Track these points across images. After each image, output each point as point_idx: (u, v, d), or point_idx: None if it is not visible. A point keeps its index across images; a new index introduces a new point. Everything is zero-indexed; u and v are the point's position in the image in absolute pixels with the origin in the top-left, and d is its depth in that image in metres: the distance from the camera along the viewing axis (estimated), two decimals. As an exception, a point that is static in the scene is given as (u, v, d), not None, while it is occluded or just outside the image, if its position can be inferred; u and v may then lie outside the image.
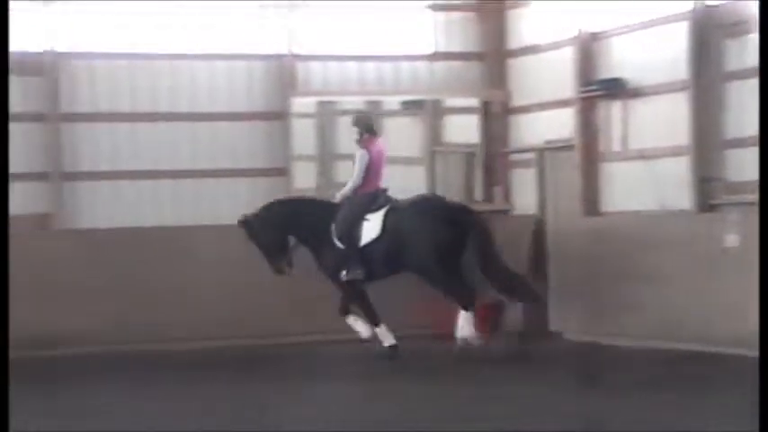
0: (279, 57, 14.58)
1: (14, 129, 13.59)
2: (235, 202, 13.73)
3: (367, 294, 12.17)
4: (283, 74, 14.55)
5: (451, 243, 11.72)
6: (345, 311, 12.22)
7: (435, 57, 15.20)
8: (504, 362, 11.63)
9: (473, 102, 15.47)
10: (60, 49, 14.02)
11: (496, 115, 15.28)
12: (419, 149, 15.37)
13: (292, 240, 12.45)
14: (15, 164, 13.71)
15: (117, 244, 13.39)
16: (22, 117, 13.88)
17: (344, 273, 11.99)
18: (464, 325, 11.67)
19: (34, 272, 12.58)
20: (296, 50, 14.60)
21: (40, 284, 12.65)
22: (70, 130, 14.14)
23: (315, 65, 14.73)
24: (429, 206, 12.23)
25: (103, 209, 14.08)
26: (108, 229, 13.82)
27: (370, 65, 14.90)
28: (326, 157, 14.95)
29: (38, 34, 13.91)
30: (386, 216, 11.99)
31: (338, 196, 12.30)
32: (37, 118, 13.99)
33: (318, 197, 13.19)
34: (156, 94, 14.35)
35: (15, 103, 13.70)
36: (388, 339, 12.06)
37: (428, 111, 15.45)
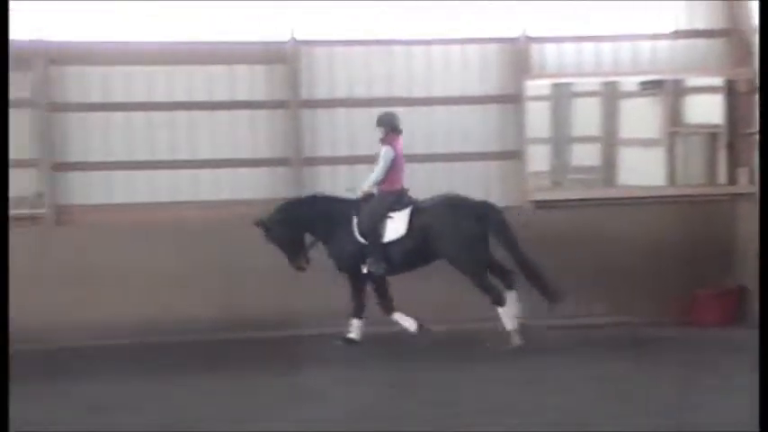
0: (513, 40, 14.54)
1: (260, 115, 14.20)
2: (468, 186, 13.82)
3: (366, 290, 12.75)
4: (517, 57, 14.52)
5: (477, 236, 12.31)
6: (389, 310, 12.68)
7: (677, 35, 14.81)
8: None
9: (716, 81, 15.00)
10: (301, 37, 14.43)
11: (742, 94, 14.77)
12: (658, 131, 15.05)
13: (309, 238, 12.88)
14: (260, 150, 14.32)
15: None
16: (267, 105, 14.43)
17: (366, 266, 12.47)
18: (505, 318, 12.18)
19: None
20: (530, 33, 14.53)
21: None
22: (310, 116, 14.57)
23: (549, 47, 14.62)
24: (453, 203, 12.60)
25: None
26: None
27: (606, 45, 14.65)
28: (561, 140, 14.82)
29: (280, 24, 14.37)
30: (411, 215, 12.48)
31: (358, 191, 12.73)
32: (280, 105, 14.47)
33: (331, 194, 13.25)
34: (391, 79, 14.58)
35: (260, 91, 14.32)
36: (356, 332, 12.67)
37: (668, 91, 15.09)
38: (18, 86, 13.82)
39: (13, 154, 13.76)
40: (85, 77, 14.16)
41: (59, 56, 14.07)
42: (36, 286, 13.29)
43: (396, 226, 12.49)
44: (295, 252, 12.79)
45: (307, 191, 14.06)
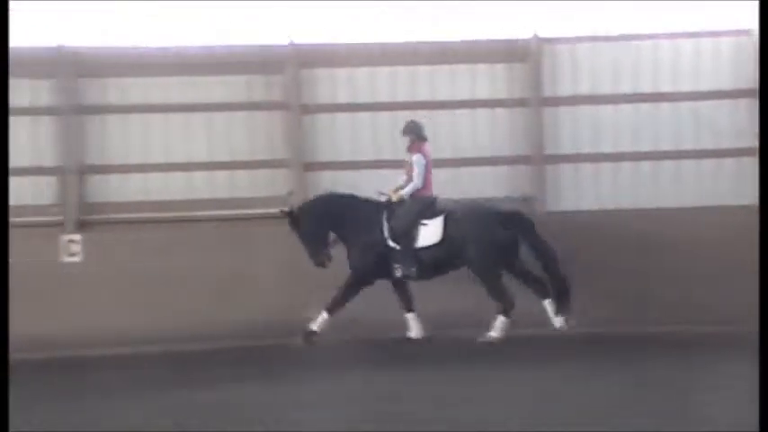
0: (746, 32, 14.16)
1: (499, 114, 14.26)
2: (714, 185, 13.58)
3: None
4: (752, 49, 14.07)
5: (503, 244, 12.56)
6: (409, 308, 12.91)
7: None
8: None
9: None
10: (544, 34, 14.42)
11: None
12: None
13: (332, 235, 12.91)
14: (498, 148, 14.40)
15: (600, 227, 13.82)
16: (507, 103, 14.51)
17: (398, 271, 12.68)
18: (497, 326, 12.43)
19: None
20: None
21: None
22: (552, 113, 14.53)
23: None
24: (485, 212, 12.77)
25: (582, 191, 14.43)
26: (589, 210, 14.22)
27: None
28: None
29: (520, 22, 14.41)
30: (445, 223, 12.66)
31: (394, 197, 12.81)
32: (520, 103, 14.50)
33: (362, 195, 13.08)
34: (637, 75, 14.41)
35: (500, 90, 14.43)
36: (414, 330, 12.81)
37: None
38: (271, 89, 14.41)
39: (267, 154, 14.39)
40: (334, 79, 14.55)
41: (310, 59, 14.51)
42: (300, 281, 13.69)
43: (430, 232, 12.68)
44: (318, 247, 12.87)
45: (551, 188, 14.09)
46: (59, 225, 14.00)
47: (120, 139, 14.33)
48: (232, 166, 14.45)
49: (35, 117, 14.13)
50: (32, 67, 13.99)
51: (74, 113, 14.15)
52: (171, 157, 14.36)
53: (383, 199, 12.96)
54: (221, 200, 14.39)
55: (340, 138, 14.52)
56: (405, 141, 13.02)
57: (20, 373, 10.03)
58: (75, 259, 13.87)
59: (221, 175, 14.42)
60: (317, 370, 10.88)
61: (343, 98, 14.52)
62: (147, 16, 14.13)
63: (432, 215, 12.75)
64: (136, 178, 14.32)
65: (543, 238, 12.54)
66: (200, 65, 14.27)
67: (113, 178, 14.30)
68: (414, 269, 12.66)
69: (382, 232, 12.79)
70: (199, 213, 14.24)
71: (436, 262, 12.68)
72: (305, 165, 14.54)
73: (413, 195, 12.85)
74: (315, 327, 12.77)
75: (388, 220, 12.81)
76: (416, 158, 12.85)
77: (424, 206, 12.79)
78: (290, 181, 14.43)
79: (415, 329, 12.88)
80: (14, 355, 9.81)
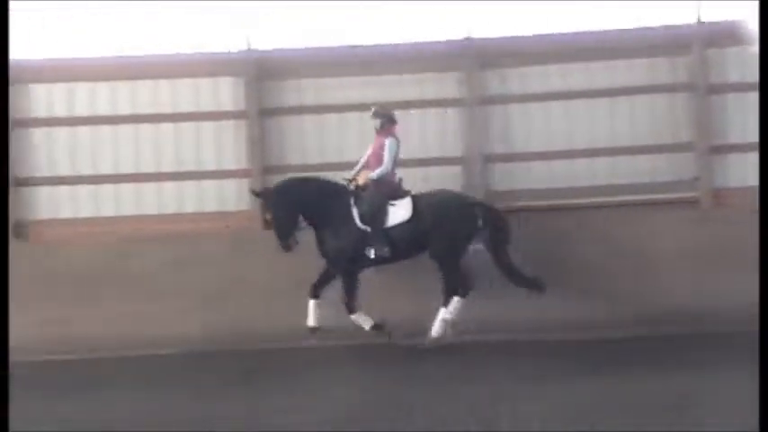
0: None
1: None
2: None
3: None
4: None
5: (470, 233, 12.68)
6: (352, 310, 12.71)
7: None
8: None
9: None
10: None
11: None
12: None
13: (301, 219, 12.66)
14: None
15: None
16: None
17: (372, 251, 12.54)
18: (452, 308, 12.47)
19: None
20: None
21: None
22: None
23: None
24: (452, 198, 12.90)
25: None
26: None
27: None
28: None
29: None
30: (414, 203, 12.71)
31: (361, 180, 12.75)
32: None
33: (329, 179, 12.87)
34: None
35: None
36: (367, 323, 12.74)
37: None
38: (675, 71, 14.16)
39: (670, 138, 14.13)
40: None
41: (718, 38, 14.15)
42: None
43: (399, 211, 12.71)
44: (287, 231, 12.59)
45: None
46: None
47: (522, 128, 14.49)
48: (634, 150, 14.29)
49: (438, 109, 14.55)
50: (438, 61, 14.41)
51: (478, 104, 14.44)
52: (573, 144, 14.39)
53: (349, 185, 12.88)
54: (622, 186, 14.27)
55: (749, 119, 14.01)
56: (375, 124, 12.93)
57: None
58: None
59: (623, 160, 14.30)
60: None
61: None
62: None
63: (399, 196, 12.82)
64: (539, 166, 14.43)
65: (506, 231, 12.77)
66: (598, 49, 14.21)
67: (517, 166, 14.49)
68: (386, 248, 12.60)
69: (351, 215, 12.72)
70: (601, 200, 14.17)
71: (408, 240, 12.69)
72: (712, 148, 14.14)
73: (379, 179, 12.78)
74: (312, 322, 12.70)
75: (357, 204, 12.77)
76: (389, 142, 12.83)
77: (391, 188, 12.82)
78: (696, 165, 14.09)
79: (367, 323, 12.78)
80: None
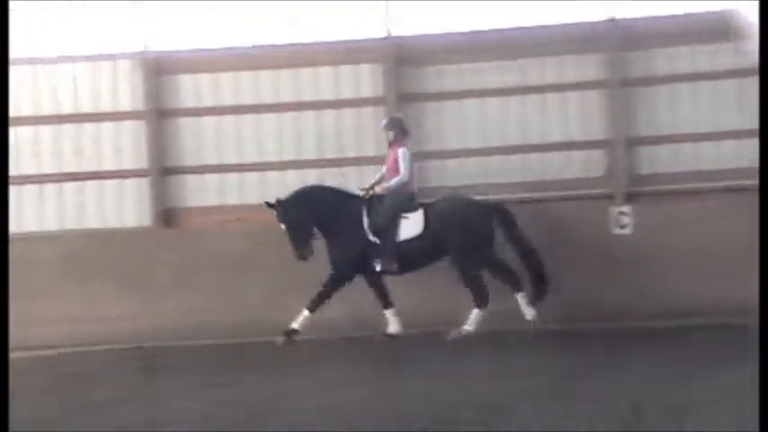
0: None
1: None
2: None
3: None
4: None
5: (485, 237, 12.61)
6: (387, 305, 12.77)
7: None
8: None
9: None
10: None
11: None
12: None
13: (315, 230, 12.70)
14: None
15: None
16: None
17: (379, 265, 12.53)
18: (473, 320, 12.46)
19: None
20: None
21: None
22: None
23: None
24: (465, 204, 12.83)
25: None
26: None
27: None
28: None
29: None
30: (426, 216, 12.62)
31: (378, 189, 12.74)
32: None
33: (342, 188, 13.01)
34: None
35: None
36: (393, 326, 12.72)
37: None
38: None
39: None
40: None
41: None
42: None
43: (411, 225, 12.61)
44: (303, 240, 12.61)
45: None
46: (609, 197, 14.10)
47: (666, 110, 14.16)
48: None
49: (583, 92, 14.29)
50: (580, 43, 14.17)
51: (621, 86, 14.15)
52: (720, 125, 14.01)
53: (363, 194, 12.82)
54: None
55: None
56: (388, 136, 12.88)
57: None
58: (626, 231, 13.87)
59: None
60: None
61: None
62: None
63: (412, 209, 12.72)
64: (685, 148, 14.10)
65: (522, 231, 12.63)
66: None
67: (662, 149, 14.17)
68: (395, 264, 12.56)
69: (363, 227, 12.65)
70: (748, 182, 13.74)
71: (417, 255, 12.62)
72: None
73: (394, 190, 12.68)
74: (296, 325, 12.59)
75: (369, 215, 12.71)
76: (402, 152, 12.73)
77: (405, 200, 12.72)
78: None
79: (394, 325, 12.72)
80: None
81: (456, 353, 11.39)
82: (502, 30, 14.28)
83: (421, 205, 12.83)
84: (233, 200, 14.64)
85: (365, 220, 12.72)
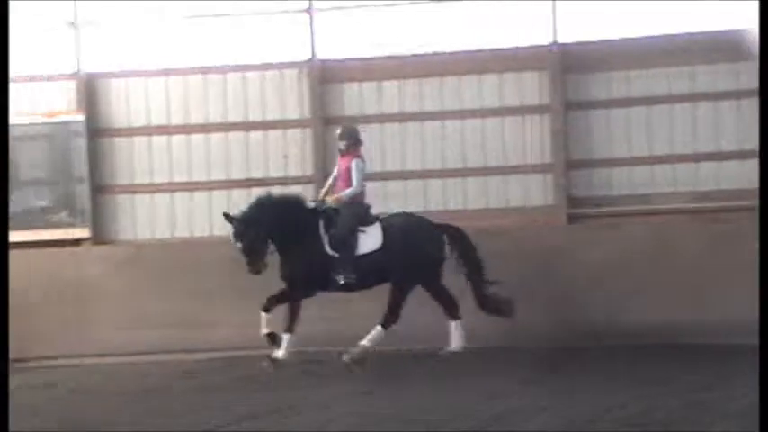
0: None
1: None
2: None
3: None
4: None
5: (437, 259, 12.43)
6: (267, 308, 12.16)
7: None
8: None
9: None
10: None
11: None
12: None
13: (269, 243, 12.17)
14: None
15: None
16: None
17: (342, 278, 12.14)
18: (455, 334, 12.34)
19: None
20: None
21: None
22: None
23: None
24: (422, 222, 12.66)
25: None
26: None
27: None
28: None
29: None
30: (384, 230, 12.36)
31: (331, 201, 12.42)
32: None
33: (299, 200, 12.58)
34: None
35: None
36: (281, 352, 12.17)
37: None
38: None
39: None
40: None
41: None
42: None
43: (369, 239, 12.30)
44: (257, 255, 12.07)
45: None
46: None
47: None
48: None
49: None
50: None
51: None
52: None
53: (316, 206, 12.46)
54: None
55: None
56: (340, 146, 12.63)
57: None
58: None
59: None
60: None
61: None
62: None
63: (369, 222, 12.43)
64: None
65: (476, 253, 12.49)
66: None
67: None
68: (353, 276, 12.17)
69: (320, 239, 12.26)
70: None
71: (376, 269, 12.23)
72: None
73: (348, 203, 12.39)
74: (279, 353, 12.19)
75: (326, 228, 12.32)
76: (356, 163, 12.47)
77: (362, 212, 12.46)
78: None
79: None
80: None
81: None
82: (671, 35, 14.06)
83: (376, 218, 12.60)
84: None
85: (323, 233, 12.35)
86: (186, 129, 14.79)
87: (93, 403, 10.97)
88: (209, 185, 14.82)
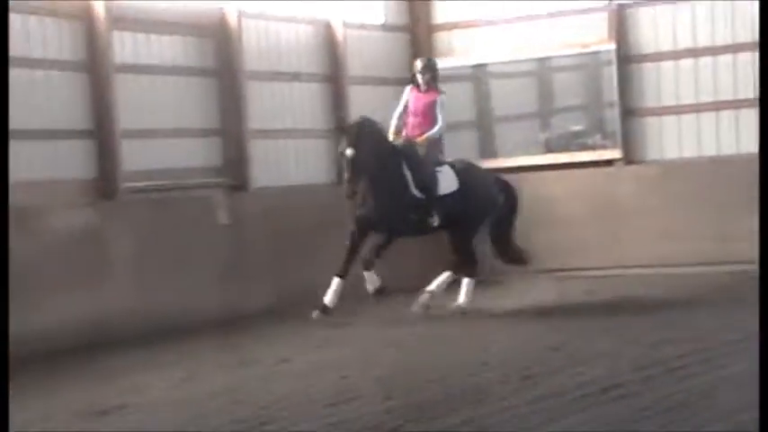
0: None
1: None
2: None
3: None
4: None
5: (498, 207, 12.24)
6: (369, 267, 11.74)
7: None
8: None
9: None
10: None
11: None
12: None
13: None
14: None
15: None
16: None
17: (435, 220, 11.69)
18: (467, 291, 11.95)
19: None
20: None
21: None
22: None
23: None
24: (481, 170, 12.67)
25: None
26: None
27: None
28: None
29: None
30: (456, 171, 11.95)
31: (420, 141, 11.78)
32: None
33: (384, 133, 11.87)
34: None
35: None
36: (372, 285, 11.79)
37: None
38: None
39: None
40: None
41: None
42: None
43: (448, 178, 11.83)
44: (357, 176, 11.41)
45: None
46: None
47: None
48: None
49: None
50: None
51: None
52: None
53: (400, 142, 11.81)
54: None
55: None
56: (423, 79, 11.88)
57: None
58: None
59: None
60: None
61: None
62: None
63: (440, 163, 12.00)
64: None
65: (517, 206, 12.42)
66: None
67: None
68: (439, 219, 11.68)
69: (406, 180, 11.62)
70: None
71: (453, 211, 11.74)
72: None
73: (427, 141, 11.84)
74: (370, 286, 11.80)
75: (409, 168, 11.64)
76: (441, 99, 11.86)
77: (435, 153, 12.00)
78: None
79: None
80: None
81: None
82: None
83: (443, 161, 12.21)
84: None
85: (407, 173, 11.75)
86: (712, 50, 15.24)
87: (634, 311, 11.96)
88: (735, 104, 15.20)
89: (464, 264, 12.12)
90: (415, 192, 11.75)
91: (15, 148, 10.91)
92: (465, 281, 12.11)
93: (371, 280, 11.76)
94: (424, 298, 11.98)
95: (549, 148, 15.87)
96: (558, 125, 16.02)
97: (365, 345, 10.62)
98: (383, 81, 15.51)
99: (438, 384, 8.45)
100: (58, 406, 8.53)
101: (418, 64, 12.17)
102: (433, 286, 12.04)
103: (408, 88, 12.17)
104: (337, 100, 14.95)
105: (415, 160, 11.79)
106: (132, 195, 12.39)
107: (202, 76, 13.29)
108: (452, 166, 12.13)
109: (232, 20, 13.57)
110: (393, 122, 12.06)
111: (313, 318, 11.57)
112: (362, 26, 15.46)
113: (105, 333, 11.32)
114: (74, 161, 12.11)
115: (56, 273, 11.23)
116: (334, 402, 7.92)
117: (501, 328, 11.17)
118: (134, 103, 12.66)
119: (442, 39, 16.23)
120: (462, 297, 12.07)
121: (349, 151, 11.35)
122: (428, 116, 11.93)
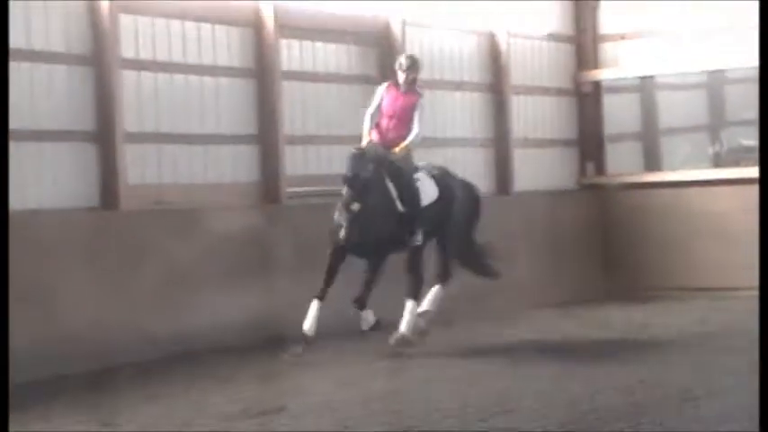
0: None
1: None
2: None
3: None
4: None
5: (473, 214, 11.34)
6: (363, 306, 10.66)
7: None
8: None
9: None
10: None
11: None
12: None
13: None
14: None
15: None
16: None
17: (419, 238, 10.55)
18: (434, 299, 10.86)
19: None
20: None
21: None
22: None
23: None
24: (455, 176, 11.28)
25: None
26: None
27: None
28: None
29: None
30: (435, 178, 10.85)
31: (398, 150, 10.57)
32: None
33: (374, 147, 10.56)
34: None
35: None
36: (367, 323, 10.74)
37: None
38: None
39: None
40: None
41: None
42: None
43: (427, 187, 10.71)
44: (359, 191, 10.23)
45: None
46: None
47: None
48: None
49: None
50: None
51: None
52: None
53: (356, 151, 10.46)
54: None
55: None
56: (405, 78, 10.61)
57: None
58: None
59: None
60: None
61: None
62: None
63: (416, 169, 10.79)
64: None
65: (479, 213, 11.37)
66: None
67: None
68: (421, 235, 10.55)
69: (389, 193, 10.47)
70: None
71: (434, 223, 10.70)
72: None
73: (406, 147, 10.69)
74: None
75: (390, 178, 10.46)
76: (423, 101, 10.73)
77: (411, 158, 10.78)
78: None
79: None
80: None
81: None
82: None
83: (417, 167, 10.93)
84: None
85: (389, 184, 10.54)
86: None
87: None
88: None
89: (442, 269, 11.13)
90: (399, 205, 10.65)
91: (189, 152, 11.60)
92: (436, 287, 11.04)
93: (367, 319, 10.78)
94: (418, 323, 10.85)
95: (718, 163, 15.48)
96: (729, 139, 15.64)
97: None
98: (545, 91, 15.42)
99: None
100: (208, 407, 8.54)
101: (402, 61, 10.86)
102: (425, 306, 10.96)
103: (384, 86, 10.94)
104: (499, 109, 14.87)
105: (394, 170, 10.66)
106: (294, 200, 12.40)
107: (366, 84, 13.27)
108: (428, 172, 11.02)
109: (396, 29, 13.57)
110: (366, 123, 10.80)
111: (298, 353, 10.36)
112: (527, 36, 15.34)
113: (265, 334, 11.33)
114: (239, 165, 12.19)
115: (217, 273, 11.29)
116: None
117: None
118: (298, 110, 12.72)
119: (607, 49, 15.97)
120: (426, 303, 10.98)
121: (355, 206, 10.28)
122: (405, 120, 10.72)
